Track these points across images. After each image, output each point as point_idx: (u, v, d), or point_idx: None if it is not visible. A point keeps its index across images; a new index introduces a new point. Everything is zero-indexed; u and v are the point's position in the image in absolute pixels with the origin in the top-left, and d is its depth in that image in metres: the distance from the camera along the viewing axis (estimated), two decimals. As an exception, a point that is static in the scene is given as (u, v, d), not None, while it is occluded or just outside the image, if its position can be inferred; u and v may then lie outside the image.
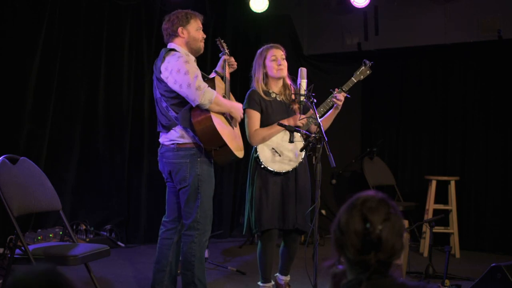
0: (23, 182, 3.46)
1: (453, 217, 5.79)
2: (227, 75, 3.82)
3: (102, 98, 5.54)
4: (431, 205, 5.85)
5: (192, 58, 3.53)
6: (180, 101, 3.42)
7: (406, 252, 4.48)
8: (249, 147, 3.94)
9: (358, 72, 3.92)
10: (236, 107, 3.60)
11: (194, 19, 3.58)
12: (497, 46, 5.88)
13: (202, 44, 3.61)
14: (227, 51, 3.87)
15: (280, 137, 3.81)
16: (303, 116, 3.78)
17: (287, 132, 3.68)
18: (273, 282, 3.96)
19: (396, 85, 6.72)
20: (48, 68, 5.05)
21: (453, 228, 5.79)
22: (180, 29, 3.53)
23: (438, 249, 5.67)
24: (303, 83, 3.64)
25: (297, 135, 3.67)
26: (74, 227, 5.21)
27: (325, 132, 3.44)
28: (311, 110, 3.65)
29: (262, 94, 3.86)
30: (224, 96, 3.67)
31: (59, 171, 5.20)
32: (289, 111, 3.87)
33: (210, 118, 3.37)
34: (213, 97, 3.36)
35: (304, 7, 6.79)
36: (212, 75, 3.83)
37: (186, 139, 3.45)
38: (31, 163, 3.65)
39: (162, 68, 3.43)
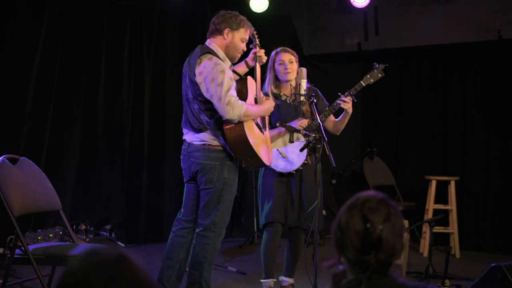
0: (23, 182, 3.46)
1: (453, 217, 5.79)
2: (258, 70, 3.74)
3: (102, 98, 5.54)
4: (431, 205, 5.85)
5: (228, 64, 3.47)
6: (213, 106, 3.36)
7: (406, 252, 4.48)
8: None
9: (368, 76, 3.89)
10: (265, 109, 3.58)
11: (245, 30, 3.53)
12: (497, 46, 5.88)
13: (239, 55, 3.56)
14: (257, 42, 3.78)
15: (284, 139, 3.87)
16: (303, 120, 3.80)
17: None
18: (275, 279, 3.97)
19: (396, 85, 6.72)
20: (48, 68, 5.05)
21: (453, 228, 5.79)
22: (227, 30, 3.47)
23: (438, 249, 5.67)
24: (303, 83, 3.65)
25: (300, 136, 3.70)
26: (74, 227, 5.21)
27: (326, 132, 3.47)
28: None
29: (271, 96, 3.90)
30: (255, 98, 3.62)
31: (59, 171, 5.20)
32: (298, 113, 3.90)
33: (242, 127, 3.35)
34: (242, 112, 3.30)
35: (304, 7, 6.78)
36: (242, 65, 3.77)
37: (218, 142, 3.42)
38: (31, 163, 3.65)
39: (197, 71, 3.35)
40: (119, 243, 5.48)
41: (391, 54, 6.45)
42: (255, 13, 6.13)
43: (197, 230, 3.53)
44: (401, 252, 1.58)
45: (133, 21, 5.72)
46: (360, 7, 5.96)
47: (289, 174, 3.84)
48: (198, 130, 3.44)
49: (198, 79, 3.34)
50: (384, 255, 1.54)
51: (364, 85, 3.89)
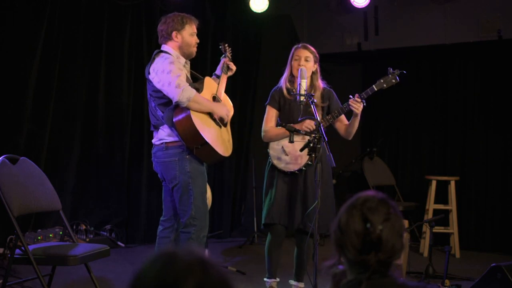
0: (23, 182, 3.46)
1: (453, 217, 5.79)
2: (224, 77, 3.91)
3: (102, 98, 5.54)
4: (431, 205, 5.84)
5: (182, 60, 3.62)
6: (166, 101, 3.51)
7: (406, 252, 4.48)
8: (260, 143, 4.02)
9: (382, 80, 3.81)
10: (218, 107, 3.66)
11: (190, 24, 3.65)
12: (497, 46, 5.88)
13: (194, 49, 3.69)
14: (229, 55, 3.99)
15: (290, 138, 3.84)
16: (308, 120, 3.78)
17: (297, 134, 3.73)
18: (278, 279, 3.98)
19: (396, 85, 6.68)
20: (48, 68, 5.05)
21: (453, 228, 5.79)
22: (174, 33, 3.61)
23: (438, 249, 5.67)
24: (303, 83, 3.64)
25: (299, 136, 3.69)
26: (74, 227, 5.21)
27: (326, 133, 3.45)
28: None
29: (285, 92, 3.89)
30: (214, 97, 3.75)
31: (59, 171, 5.20)
32: (307, 112, 3.84)
33: (190, 117, 3.44)
34: (192, 95, 3.42)
35: (304, 7, 6.79)
36: (214, 79, 3.93)
37: (174, 137, 3.53)
38: (31, 163, 3.65)
39: (151, 69, 3.53)
40: (119, 243, 5.48)
41: (391, 54, 6.45)
42: (255, 13, 6.14)
43: (180, 229, 3.62)
44: (401, 252, 1.58)
45: (133, 21, 5.72)
46: (360, 7, 5.96)
47: (292, 173, 3.81)
48: (156, 127, 3.59)
49: (152, 75, 3.52)
50: (384, 255, 1.54)
51: (376, 89, 3.80)
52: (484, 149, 6.21)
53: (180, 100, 3.40)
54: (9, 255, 3.48)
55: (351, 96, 3.75)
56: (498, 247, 6.00)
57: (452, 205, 5.80)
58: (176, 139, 3.52)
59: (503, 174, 6.10)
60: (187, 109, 3.45)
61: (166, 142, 3.55)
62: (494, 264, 3.62)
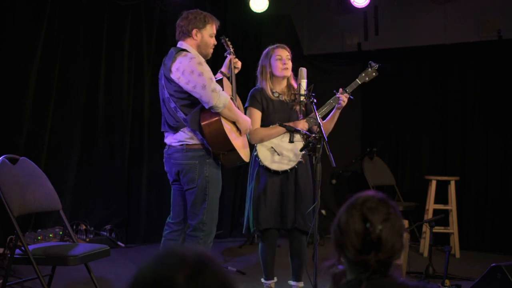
0: (23, 182, 3.46)
1: (453, 217, 5.79)
2: (234, 76, 3.81)
3: (102, 98, 5.54)
4: (431, 205, 5.84)
5: (203, 60, 3.50)
6: (190, 102, 3.39)
7: (406, 252, 4.48)
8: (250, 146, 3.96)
9: (363, 74, 3.90)
10: (244, 119, 3.58)
11: (211, 25, 3.55)
12: (497, 46, 5.88)
13: (211, 51, 3.59)
14: (232, 50, 3.86)
15: (279, 137, 3.81)
16: (303, 120, 3.78)
17: (287, 133, 3.70)
18: (275, 280, 3.97)
19: (396, 85, 6.72)
20: (48, 68, 5.05)
21: (453, 228, 5.79)
22: (195, 31, 3.49)
23: (438, 249, 5.67)
24: (303, 83, 3.64)
25: (297, 136, 3.68)
26: (74, 227, 5.21)
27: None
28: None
29: (269, 93, 3.85)
30: (231, 98, 3.65)
31: (59, 171, 5.20)
32: (290, 112, 3.86)
33: (220, 121, 3.35)
34: (227, 101, 3.35)
35: (304, 7, 6.79)
36: (218, 76, 3.80)
37: (195, 141, 3.43)
38: (31, 163, 3.65)
39: (173, 68, 3.38)
40: (119, 243, 5.48)
41: (391, 54, 6.45)
42: (255, 13, 6.14)
43: (187, 232, 3.54)
44: (401, 252, 1.58)
45: (133, 21, 5.73)
46: (360, 7, 5.96)
47: (284, 172, 3.78)
48: (175, 129, 3.45)
49: (175, 75, 3.37)
50: (384, 255, 1.54)
51: (359, 83, 3.88)
52: (484, 149, 6.21)
53: (216, 105, 3.30)
54: (9, 255, 3.48)
55: (335, 91, 3.79)
56: (498, 247, 6.00)
57: (452, 205, 5.80)
58: (197, 142, 3.41)
59: (503, 174, 6.10)
60: (216, 113, 3.35)
61: (187, 145, 3.42)
62: (494, 264, 3.62)
